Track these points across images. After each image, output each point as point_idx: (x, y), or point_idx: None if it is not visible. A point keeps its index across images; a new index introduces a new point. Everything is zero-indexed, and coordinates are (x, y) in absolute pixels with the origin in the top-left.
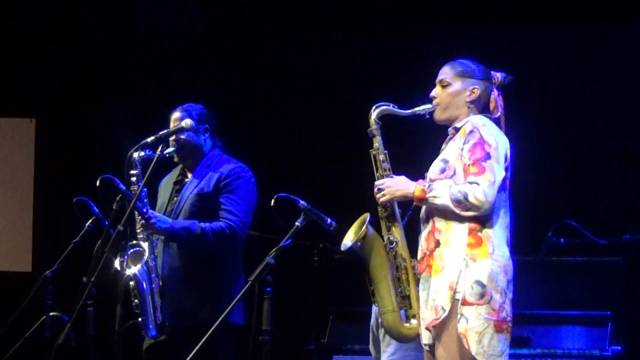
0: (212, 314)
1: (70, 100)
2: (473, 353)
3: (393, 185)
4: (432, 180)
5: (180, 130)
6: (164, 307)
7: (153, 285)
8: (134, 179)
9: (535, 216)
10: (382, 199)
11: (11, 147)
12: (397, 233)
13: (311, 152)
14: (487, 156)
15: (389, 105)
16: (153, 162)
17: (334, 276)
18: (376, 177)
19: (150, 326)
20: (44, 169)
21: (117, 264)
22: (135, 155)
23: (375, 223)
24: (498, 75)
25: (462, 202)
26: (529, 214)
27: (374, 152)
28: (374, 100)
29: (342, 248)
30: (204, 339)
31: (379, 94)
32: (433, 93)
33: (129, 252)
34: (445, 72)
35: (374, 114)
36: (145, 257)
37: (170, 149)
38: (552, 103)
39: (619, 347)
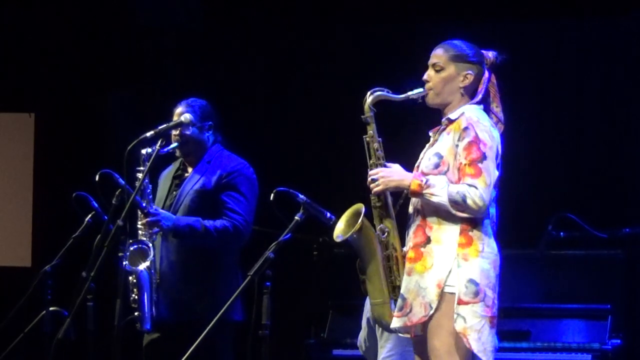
0: (210, 309)
1: (69, 95)
2: (475, 351)
3: (387, 175)
4: (424, 174)
5: (179, 125)
6: (162, 302)
7: (152, 280)
8: (140, 175)
9: (535, 209)
10: (376, 189)
11: (10, 142)
12: (389, 223)
13: (310, 146)
14: (484, 157)
15: (384, 91)
16: (152, 157)
17: (334, 270)
18: (369, 165)
19: (146, 320)
20: (43, 163)
21: (123, 261)
22: (144, 152)
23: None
24: (490, 55)
25: (460, 203)
26: (528, 207)
27: (367, 139)
28: None
29: (336, 239)
30: (202, 335)
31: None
32: (425, 76)
33: (131, 249)
34: (439, 56)
35: (369, 99)
36: (151, 255)
37: (173, 145)
38: (550, 95)
39: (619, 341)
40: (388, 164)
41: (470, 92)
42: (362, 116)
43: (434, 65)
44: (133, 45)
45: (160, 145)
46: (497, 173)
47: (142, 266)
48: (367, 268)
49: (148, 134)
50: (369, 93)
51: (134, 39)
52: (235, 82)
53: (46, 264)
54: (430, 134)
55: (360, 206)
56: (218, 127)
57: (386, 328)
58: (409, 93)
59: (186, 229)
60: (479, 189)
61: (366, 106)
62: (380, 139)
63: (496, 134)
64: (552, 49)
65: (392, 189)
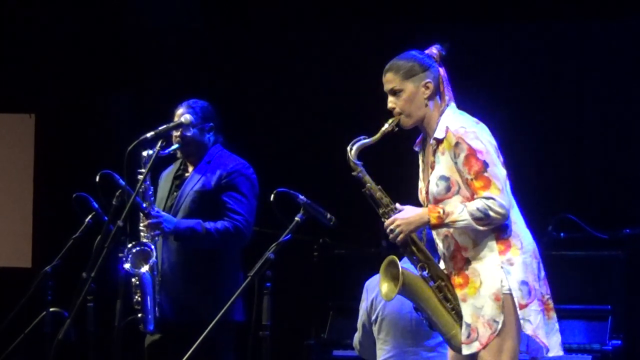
0: (212, 309)
1: (70, 96)
2: (550, 348)
3: (403, 221)
4: (437, 201)
5: (179, 126)
6: (164, 302)
7: (154, 282)
8: (141, 176)
9: (535, 210)
10: (398, 239)
11: (10, 142)
12: (424, 257)
13: (310, 147)
14: (485, 165)
15: (361, 140)
16: (152, 159)
17: (334, 271)
18: (380, 215)
19: (150, 322)
20: (43, 164)
21: (125, 264)
22: (145, 153)
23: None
24: (434, 51)
25: (484, 219)
26: (528, 209)
27: (367, 193)
28: (374, 94)
29: (387, 300)
30: (203, 335)
31: (378, 89)
32: (389, 105)
33: (133, 251)
34: (391, 80)
35: (352, 155)
36: (154, 257)
37: (174, 146)
38: (551, 96)
39: (619, 342)
40: (399, 206)
41: (435, 96)
42: (353, 173)
43: (391, 90)
44: (133, 46)
45: (160, 147)
46: (504, 171)
47: (145, 268)
48: (426, 310)
49: (148, 135)
50: (348, 149)
51: (134, 39)
52: (235, 82)
53: (46, 264)
54: (417, 149)
55: (392, 258)
56: (219, 129)
57: (458, 351)
58: (382, 129)
59: (187, 232)
60: (496, 199)
61: (352, 164)
62: (379, 186)
63: (484, 134)
64: (552, 50)
65: (414, 231)
